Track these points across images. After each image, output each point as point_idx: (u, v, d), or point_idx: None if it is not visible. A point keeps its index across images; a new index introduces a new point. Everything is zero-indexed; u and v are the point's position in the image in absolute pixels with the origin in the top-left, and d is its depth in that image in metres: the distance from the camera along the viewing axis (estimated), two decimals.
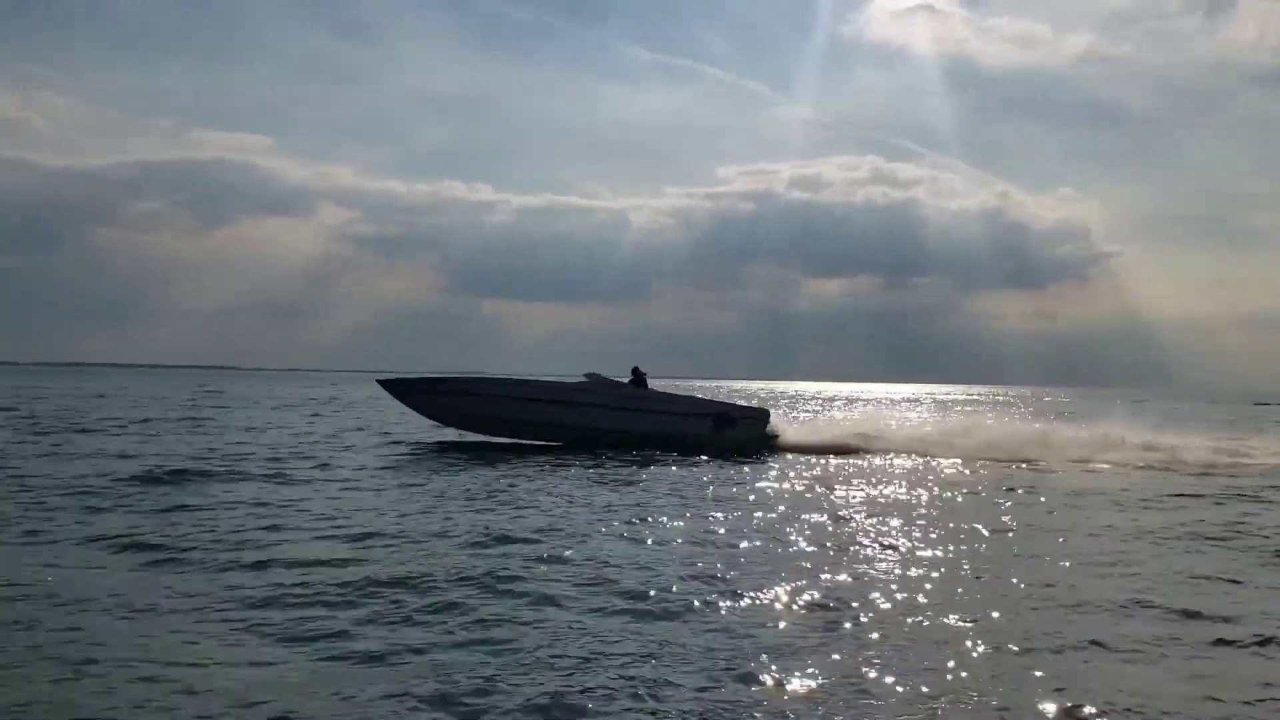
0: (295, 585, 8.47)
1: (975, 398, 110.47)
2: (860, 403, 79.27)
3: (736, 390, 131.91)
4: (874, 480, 18.13)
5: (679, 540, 11.22)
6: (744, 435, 23.44)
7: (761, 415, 24.24)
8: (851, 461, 21.65)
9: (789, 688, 6.07)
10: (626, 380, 23.77)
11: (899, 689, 6.09)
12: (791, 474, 19.00)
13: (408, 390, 23.13)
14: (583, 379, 23.51)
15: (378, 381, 24.21)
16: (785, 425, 25.48)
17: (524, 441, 23.20)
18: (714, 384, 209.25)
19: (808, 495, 15.74)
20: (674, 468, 19.52)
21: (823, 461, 21.50)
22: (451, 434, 24.69)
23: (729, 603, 8.18)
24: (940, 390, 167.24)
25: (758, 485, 17.10)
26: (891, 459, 22.15)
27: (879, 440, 24.61)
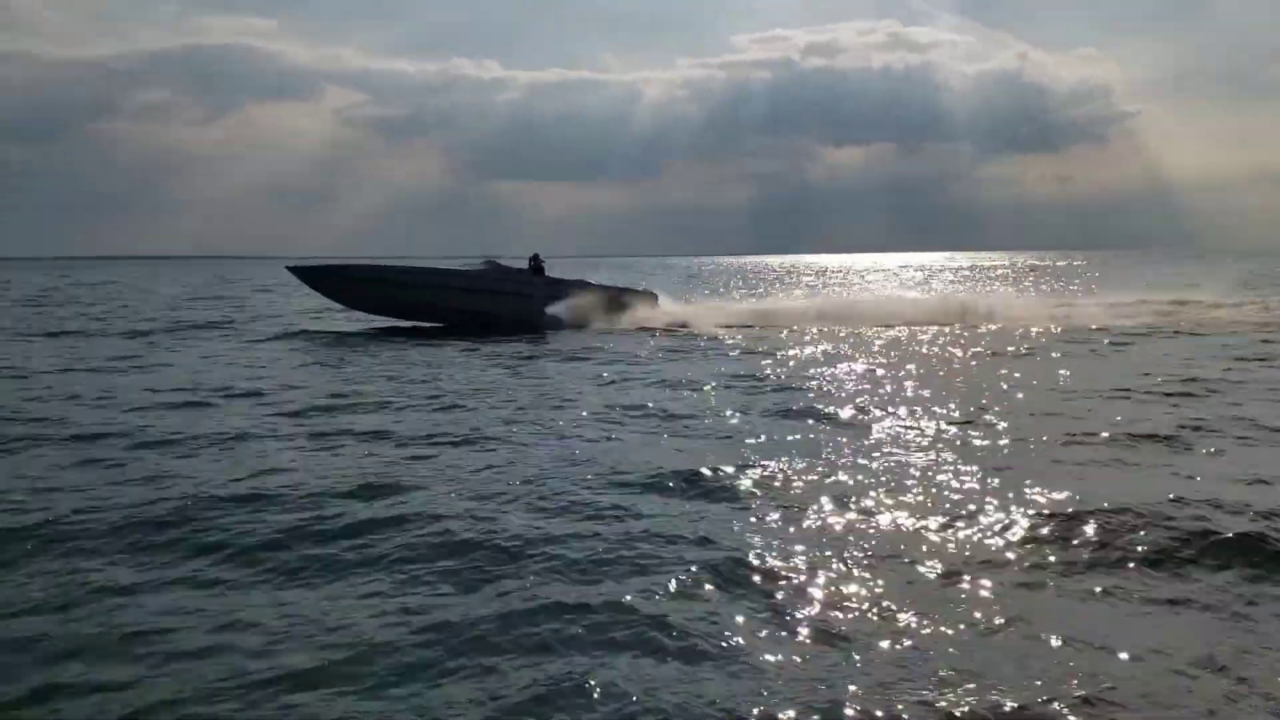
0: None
1: (994, 264, 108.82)
2: (861, 274, 78.30)
3: (748, 265, 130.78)
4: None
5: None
6: (633, 314, 24.62)
7: (650, 296, 25.86)
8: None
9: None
10: (525, 267, 24.73)
11: None
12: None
13: (319, 277, 24.34)
14: (481, 265, 24.74)
15: (287, 268, 25.21)
16: (671, 306, 26.66)
17: (426, 324, 24.31)
18: (730, 260, 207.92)
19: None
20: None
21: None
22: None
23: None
24: (960, 258, 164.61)
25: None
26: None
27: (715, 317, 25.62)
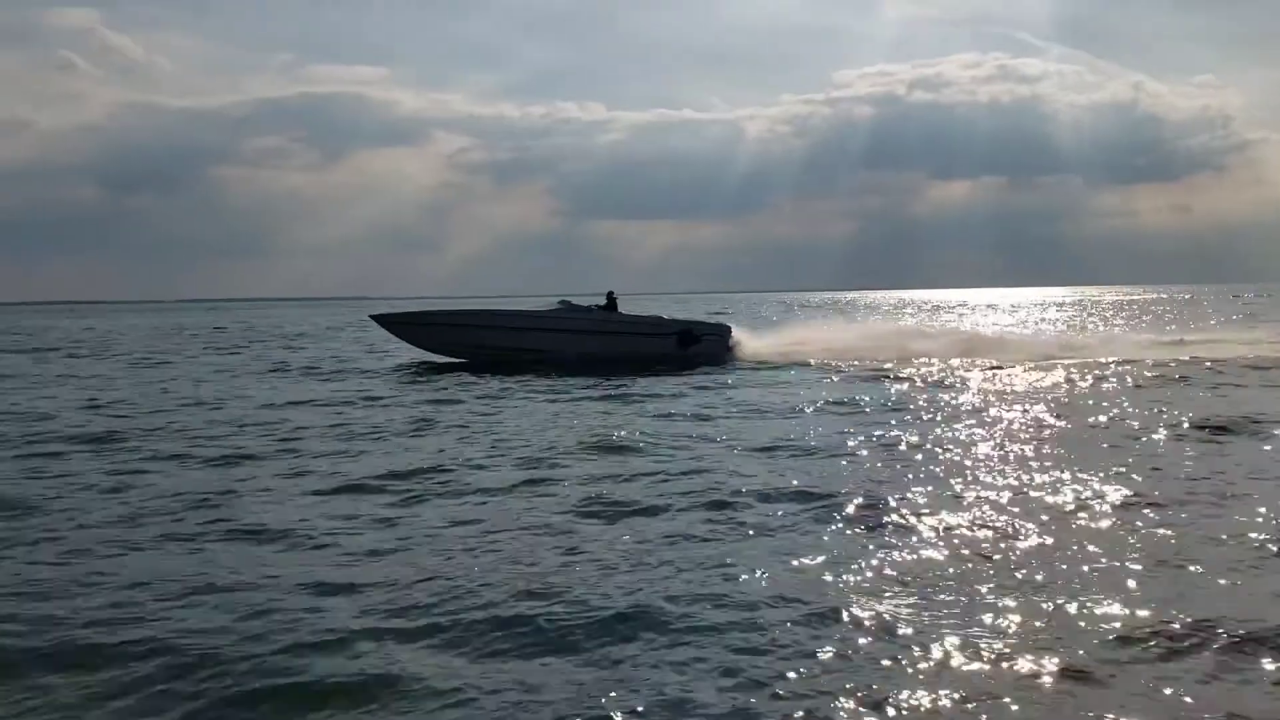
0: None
1: (1119, 299, 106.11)
2: (960, 310, 77.22)
3: (852, 301, 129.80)
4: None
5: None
6: (708, 350, 24.66)
7: (724, 330, 25.68)
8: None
9: None
10: (600, 305, 25.03)
11: None
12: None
13: (402, 324, 25.14)
14: (555, 305, 25.36)
15: (370, 316, 26.10)
16: (746, 338, 26.22)
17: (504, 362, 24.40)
18: (833, 295, 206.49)
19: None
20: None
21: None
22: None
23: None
24: (1071, 294, 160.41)
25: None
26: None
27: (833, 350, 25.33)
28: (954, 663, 5.03)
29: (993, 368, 21.25)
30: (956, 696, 4.64)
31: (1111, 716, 4.44)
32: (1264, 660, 5.01)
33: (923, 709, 4.56)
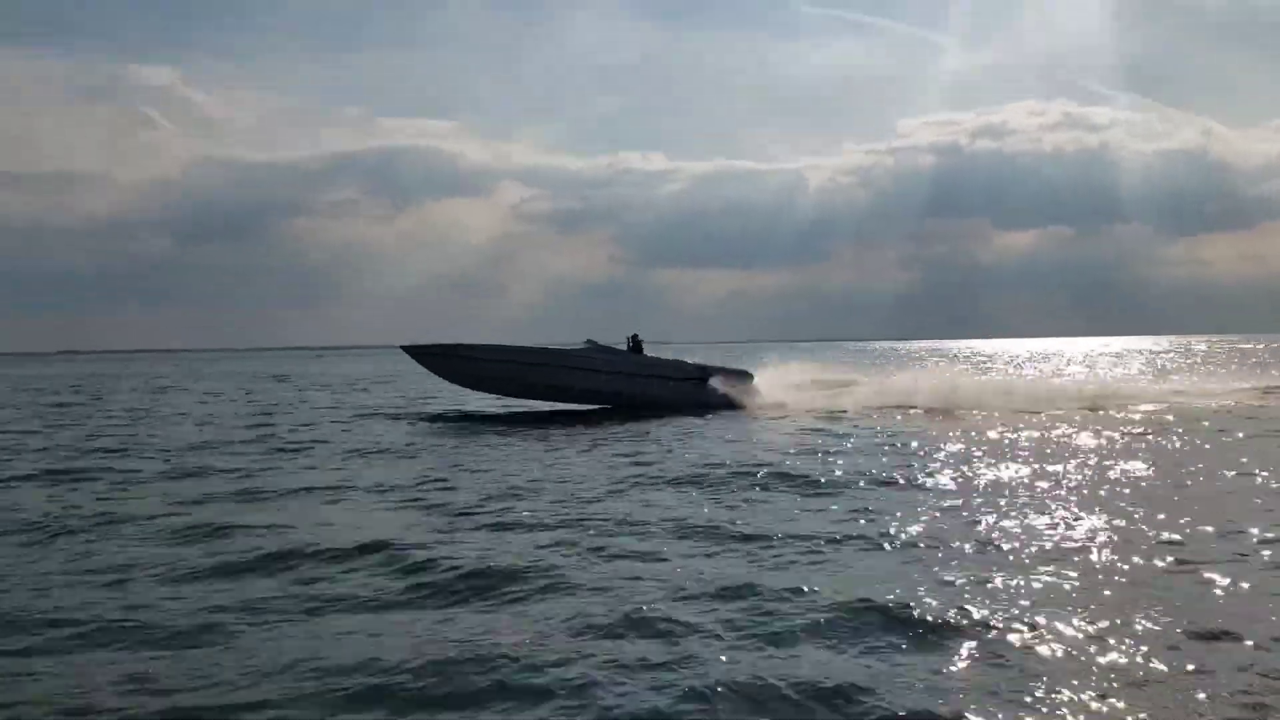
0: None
1: (1196, 348, 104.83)
2: (1016, 361, 77.09)
3: (916, 350, 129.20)
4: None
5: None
6: (729, 395, 24.64)
7: (745, 376, 25.57)
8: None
9: None
10: (625, 347, 25.31)
11: None
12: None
13: (426, 354, 25.34)
14: (583, 345, 25.24)
15: (402, 348, 26.21)
16: (767, 386, 26.22)
17: (526, 400, 25.41)
18: (894, 345, 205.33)
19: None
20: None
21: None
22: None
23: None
24: (1141, 343, 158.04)
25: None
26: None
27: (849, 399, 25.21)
28: None
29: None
30: None
31: None
32: None
33: None
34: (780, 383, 26.93)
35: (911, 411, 23.37)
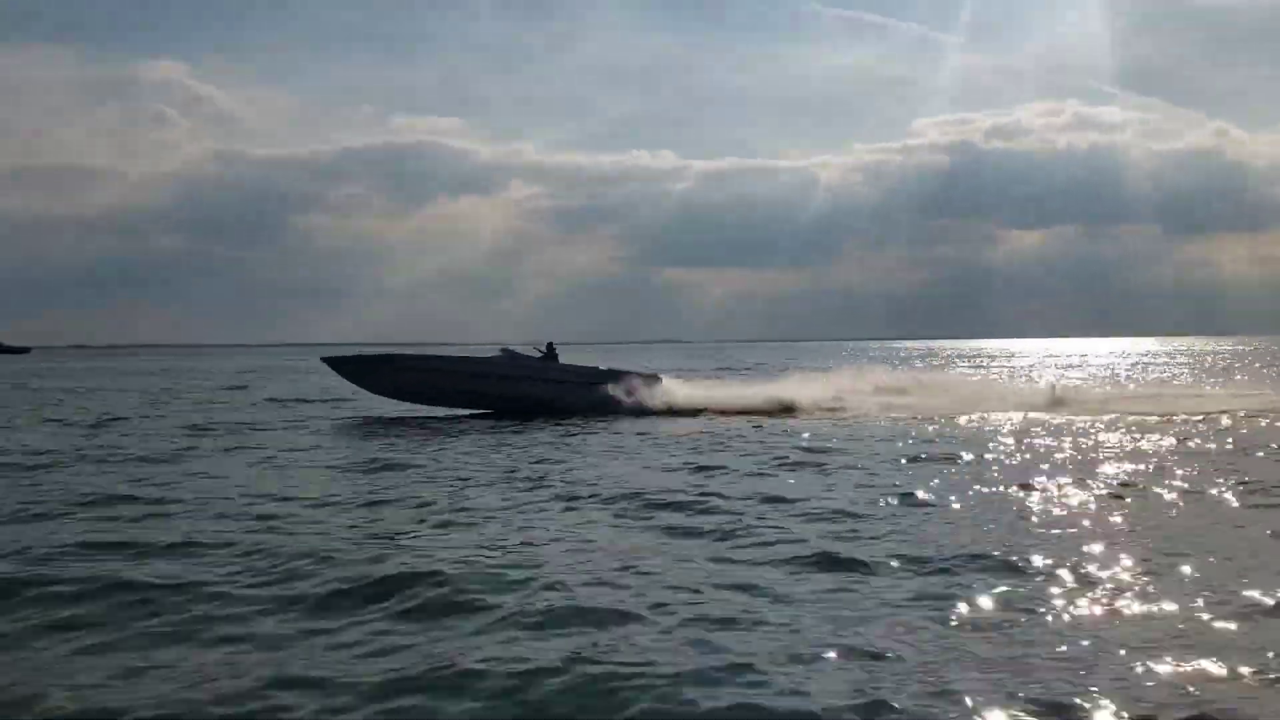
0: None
1: (1204, 350, 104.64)
2: (1016, 359, 76.93)
3: (920, 349, 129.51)
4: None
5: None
6: (640, 398, 25.20)
7: (655, 380, 26.44)
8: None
9: None
10: (540, 354, 25.85)
11: None
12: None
13: (345, 366, 25.80)
14: (497, 353, 26.05)
15: (322, 359, 26.64)
16: (677, 387, 26.98)
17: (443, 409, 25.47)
18: (904, 344, 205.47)
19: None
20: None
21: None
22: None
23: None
24: (1149, 344, 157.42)
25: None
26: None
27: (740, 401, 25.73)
28: None
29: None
30: None
31: None
32: None
33: None
34: (852, 387, 27.14)
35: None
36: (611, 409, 24.56)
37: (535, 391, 25.08)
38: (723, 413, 24.35)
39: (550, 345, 26.09)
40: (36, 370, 71.83)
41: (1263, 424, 20.06)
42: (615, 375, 26.13)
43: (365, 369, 25.55)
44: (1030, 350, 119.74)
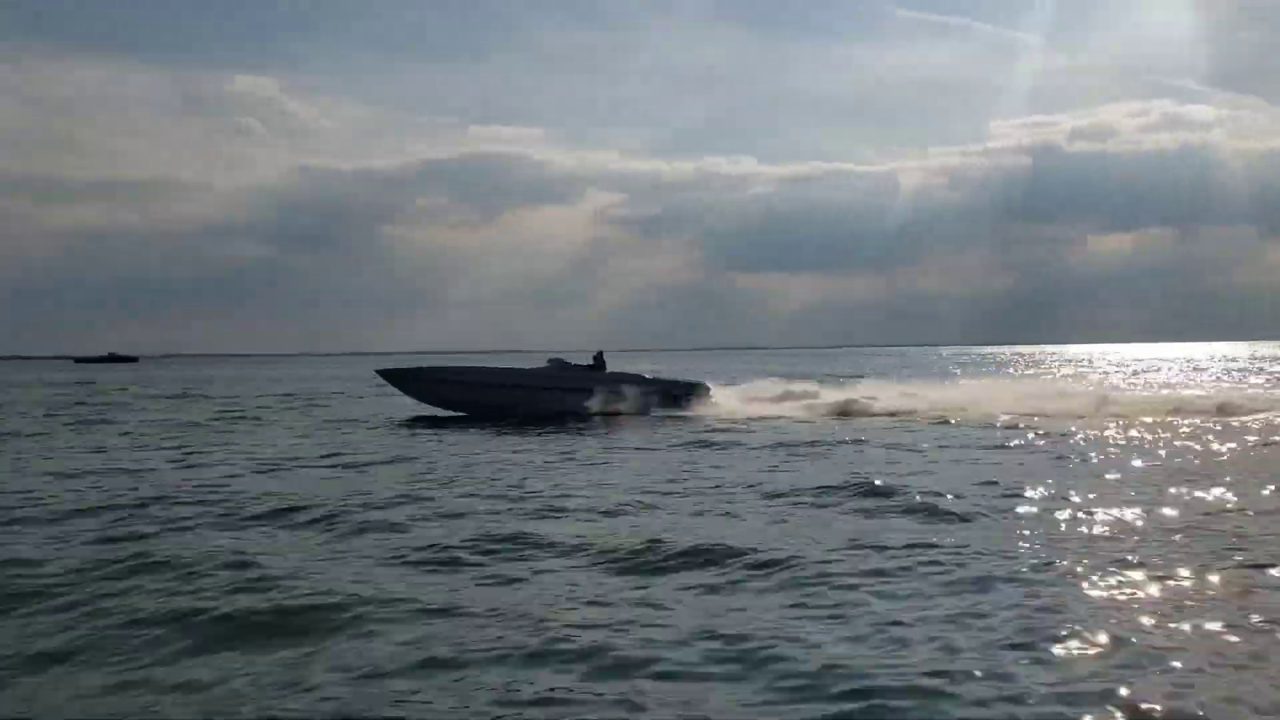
0: None
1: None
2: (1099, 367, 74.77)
3: (1005, 355, 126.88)
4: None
5: None
6: (689, 407, 25.67)
7: (702, 389, 26.83)
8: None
9: None
10: (589, 364, 26.48)
11: None
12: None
13: (396, 377, 26.97)
14: (547, 363, 26.94)
15: (376, 371, 27.80)
16: (723, 395, 27.44)
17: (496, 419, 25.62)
18: (988, 350, 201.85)
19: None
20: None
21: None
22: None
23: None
24: (1240, 350, 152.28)
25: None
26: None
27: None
28: None
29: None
30: None
31: None
32: None
33: None
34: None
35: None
36: (655, 415, 24.83)
37: (570, 401, 25.42)
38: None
39: (599, 355, 26.65)
40: (173, 378, 74.10)
41: None
42: (665, 383, 26.92)
43: (414, 380, 26.74)
44: (1126, 355, 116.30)
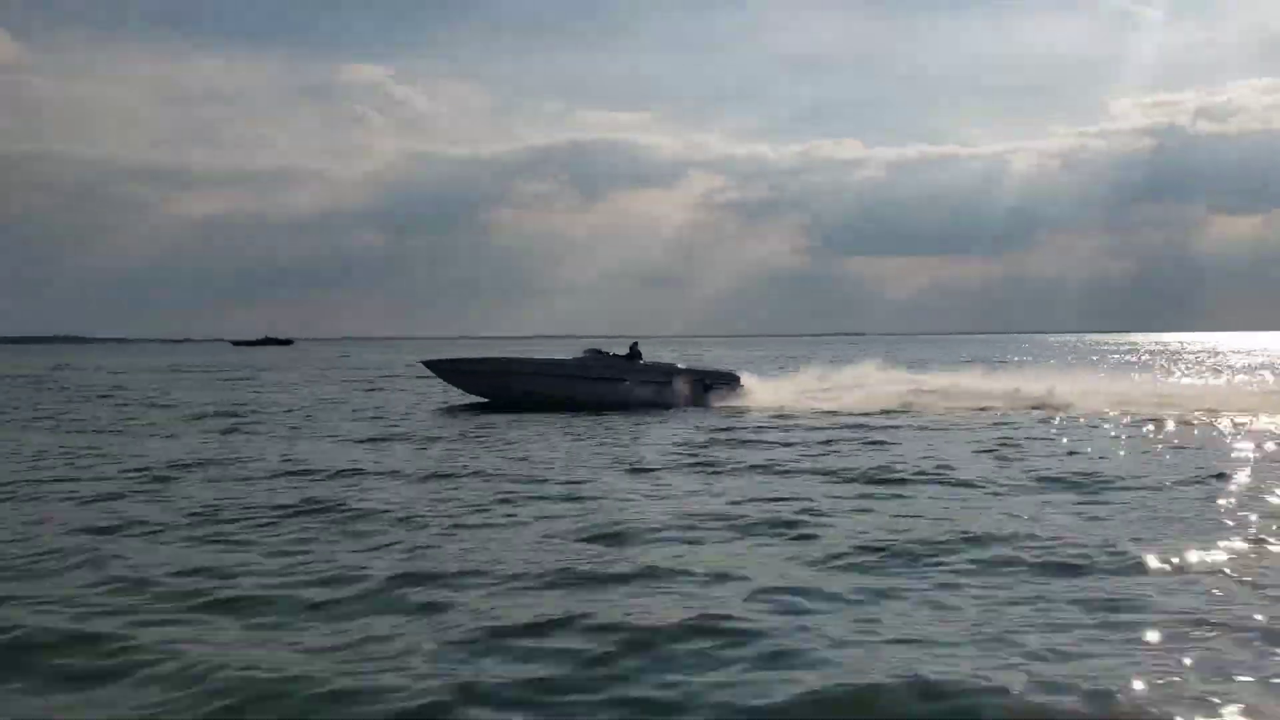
0: None
1: None
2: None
3: (1129, 342, 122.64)
4: None
5: None
6: (721, 397, 26.08)
7: (734, 379, 27.21)
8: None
9: None
10: (625, 354, 26.94)
11: None
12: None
13: (440, 368, 27.72)
14: (585, 354, 27.38)
15: (422, 362, 28.69)
16: (756, 385, 27.53)
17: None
18: (1099, 338, 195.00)
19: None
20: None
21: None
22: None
23: None
24: None
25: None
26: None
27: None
28: None
29: None
30: None
31: None
32: None
33: None
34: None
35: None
36: (682, 406, 25.38)
37: (623, 391, 26.09)
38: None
39: (634, 345, 27.23)
40: (332, 359, 77.79)
41: None
42: (698, 373, 27.49)
43: (457, 371, 27.58)
44: (1255, 345, 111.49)
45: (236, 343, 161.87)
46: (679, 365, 28.35)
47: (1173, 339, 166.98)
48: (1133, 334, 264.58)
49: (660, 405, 25.58)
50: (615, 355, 27.13)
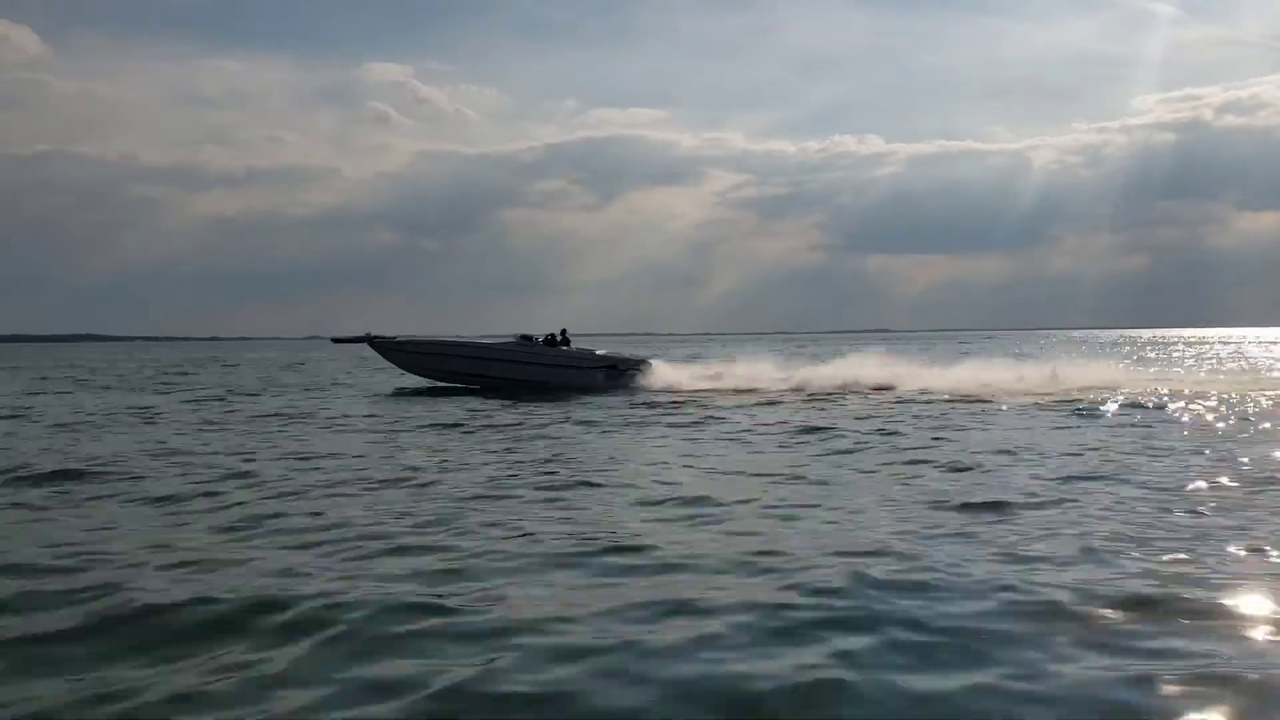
0: None
1: None
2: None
3: (1138, 338, 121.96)
4: None
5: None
6: (632, 381, 27.98)
7: (644, 365, 29.15)
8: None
9: None
10: (548, 339, 28.76)
11: None
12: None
13: (383, 348, 29.77)
14: (514, 339, 29.28)
15: (367, 340, 30.00)
16: (666, 369, 29.46)
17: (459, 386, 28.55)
18: (1118, 333, 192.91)
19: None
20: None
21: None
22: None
23: None
24: None
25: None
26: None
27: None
28: None
29: None
30: None
31: None
32: None
33: None
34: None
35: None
36: (608, 388, 27.33)
37: (544, 375, 28.11)
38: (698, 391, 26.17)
39: (563, 331, 29.01)
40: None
41: None
42: (611, 360, 29.23)
43: (397, 351, 29.61)
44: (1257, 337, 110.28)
45: (336, 340, 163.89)
46: (597, 352, 30.28)
47: (1193, 334, 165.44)
48: (1160, 329, 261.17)
49: (580, 387, 27.42)
50: (542, 341, 28.87)
